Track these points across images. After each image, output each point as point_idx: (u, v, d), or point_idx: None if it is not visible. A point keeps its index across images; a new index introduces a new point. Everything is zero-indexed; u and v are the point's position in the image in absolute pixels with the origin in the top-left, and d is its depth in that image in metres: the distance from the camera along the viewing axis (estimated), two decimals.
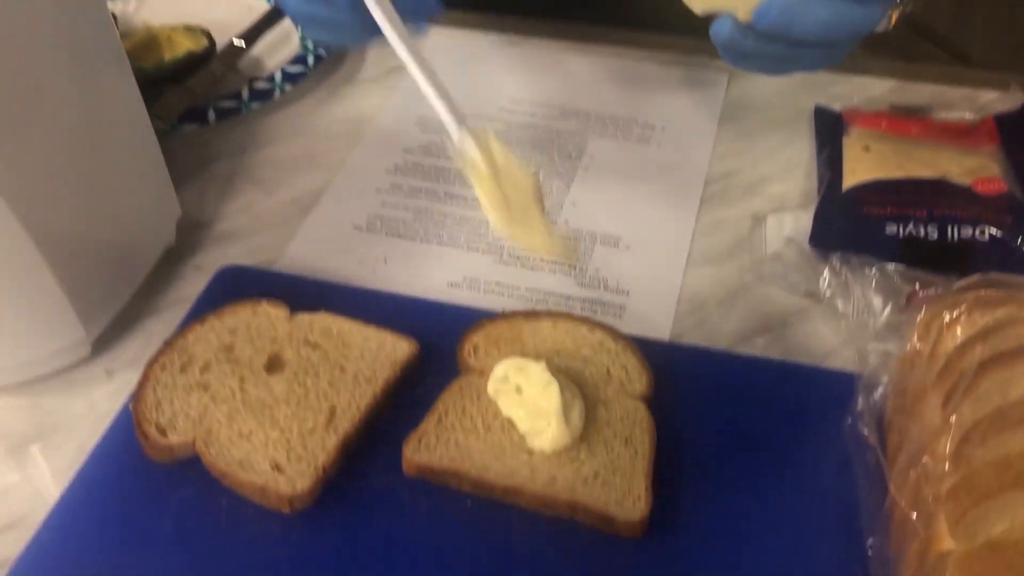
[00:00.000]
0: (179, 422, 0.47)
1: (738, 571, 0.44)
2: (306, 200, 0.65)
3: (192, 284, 0.59)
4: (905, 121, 0.67)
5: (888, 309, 0.51)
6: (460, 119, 0.52)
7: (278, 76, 0.71)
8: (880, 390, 0.48)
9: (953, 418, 0.39)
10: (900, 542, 0.41)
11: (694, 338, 0.55)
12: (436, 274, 0.60)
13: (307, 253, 0.61)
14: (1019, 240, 0.55)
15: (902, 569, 0.40)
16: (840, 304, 0.53)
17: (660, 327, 0.56)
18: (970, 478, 0.35)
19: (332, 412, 0.48)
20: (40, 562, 0.44)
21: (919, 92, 0.72)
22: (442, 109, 0.52)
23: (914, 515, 0.38)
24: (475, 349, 0.52)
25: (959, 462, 0.37)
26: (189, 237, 0.62)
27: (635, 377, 0.50)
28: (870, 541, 0.43)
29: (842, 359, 0.53)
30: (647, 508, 0.44)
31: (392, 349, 0.51)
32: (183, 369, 0.50)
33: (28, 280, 0.48)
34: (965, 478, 0.35)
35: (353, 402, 0.48)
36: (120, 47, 0.52)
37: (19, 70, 0.44)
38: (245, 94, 0.70)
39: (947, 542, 0.36)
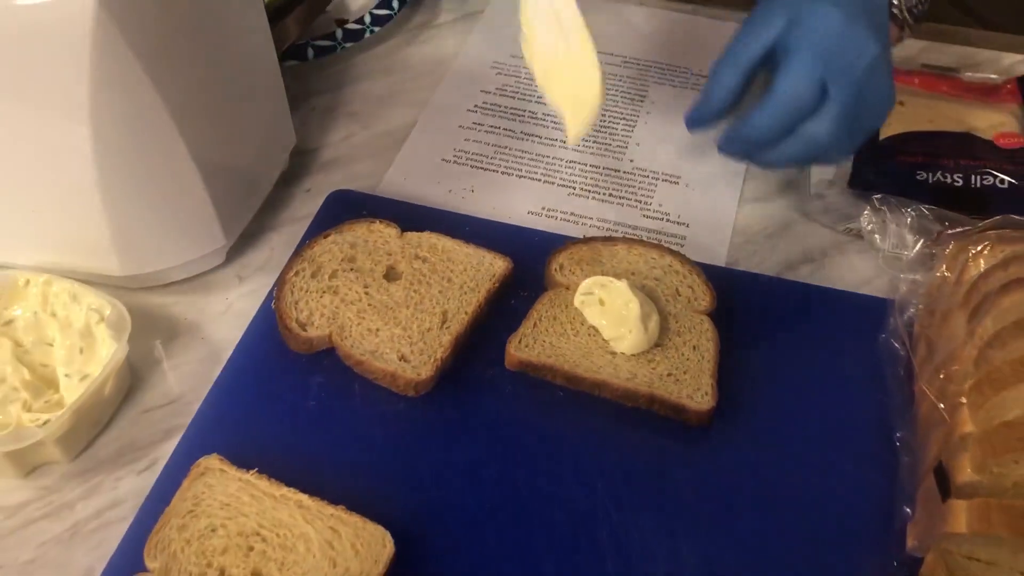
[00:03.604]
0: (315, 319, 0.55)
1: (786, 455, 0.52)
2: (398, 133, 0.72)
3: (303, 205, 0.67)
4: (936, 79, 0.75)
5: (919, 244, 0.59)
6: None
7: (367, 18, 0.78)
8: (911, 311, 0.56)
9: (978, 330, 0.47)
10: (925, 431, 0.49)
11: (747, 265, 0.63)
12: (517, 203, 0.68)
13: (402, 181, 0.69)
14: None
15: (927, 452, 0.48)
16: (877, 239, 0.61)
17: (717, 255, 0.64)
18: (990, 374, 0.44)
19: (444, 315, 0.56)
20: (205, 432, 0.52)
21: (948, 53, 0.80)
22: None
23: (941, 406, 0.47)
24: (561, 267, 0.60)
25: (981, 364, 0.46)
26: (297, 163, 0.69)
27: (700, 295, 0.59)
28: (898, 434, 0.52)
29: (876, 287, 0.62)
30: (713, 401, 0.53)
31: (490, 265, 0.59)
32: (314, 275, 0.58)
33: (189, 195, 0.56)
34: (987, 374, 0.44)
35: (461, 308, 0.57)
36: None
37: (187, 21, 0.52)
38: (339, 34, 0.77)
39: (969, 426, 0.44)
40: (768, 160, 0.59)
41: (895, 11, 0.60)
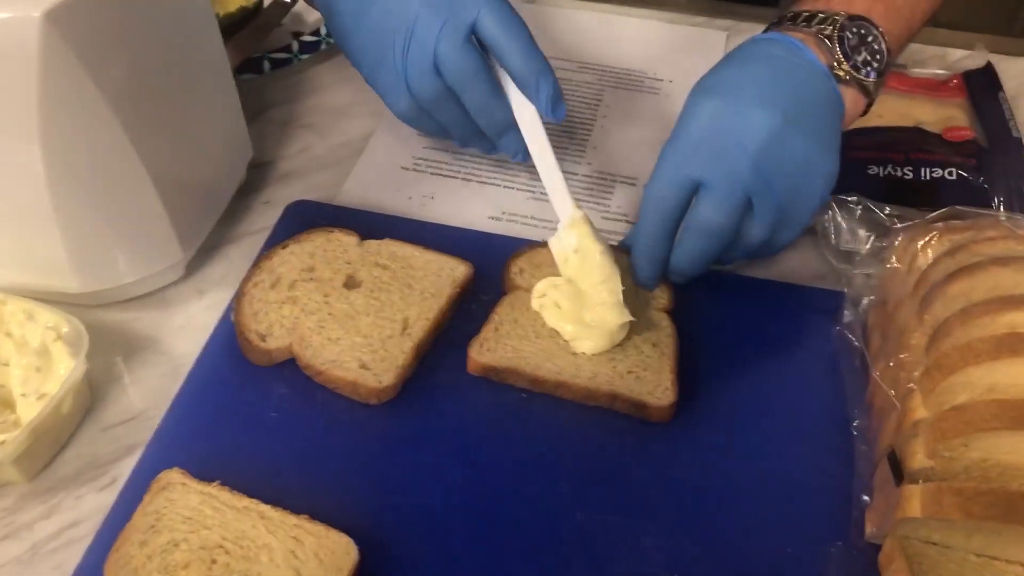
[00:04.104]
0: (275, 330, 0.55)
1: (747, 448, 0.53)
2: (356, 143, 0.73)
3: (262, 216, 0.67)
4: None
5: (871, 239, 0.60)
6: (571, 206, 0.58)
7: (323, 29, 0.78)
8: (864, 303, 0.57)
9: (927, 318, 0.48)
10: (880, 420, 0.50)
11: None
12: (478, 208, 0.68)
13: (361, 190, 0.69)
14: (980, 179, 0.65)
15: (881, 439, 0.49)
16: (831, 235, 0.62)
17: None
18: (939, 360, 0.45)
19: (405, 322, 0.56)
20: (166, 446, 0.52)
21: None
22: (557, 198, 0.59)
23: (893, 393, 0.48)
24: (521, 271, 0.60)
25: (930, 351, 0.47)
26: (255, 176, 0.69)
27: (659, 293, 0.59)
28: (855, 423, 0.53)
29: (830, 281, 0.63)
30: (674, 397, 0.53)
31: (451, 270, 0.60)
32: (273, 286, 0.58)
33: (145, 210, 0.55)
34: (935, 360, 0.45)
35: (422, 314, 0.57)
36: (210, 8, 0.59)
37: (138, 36, 0.52)
38: (295, 46, 0.77)
39: (921, 411, 0.45)
40: (682, 262, 0.56)
41: (840, 74, 0.55)
